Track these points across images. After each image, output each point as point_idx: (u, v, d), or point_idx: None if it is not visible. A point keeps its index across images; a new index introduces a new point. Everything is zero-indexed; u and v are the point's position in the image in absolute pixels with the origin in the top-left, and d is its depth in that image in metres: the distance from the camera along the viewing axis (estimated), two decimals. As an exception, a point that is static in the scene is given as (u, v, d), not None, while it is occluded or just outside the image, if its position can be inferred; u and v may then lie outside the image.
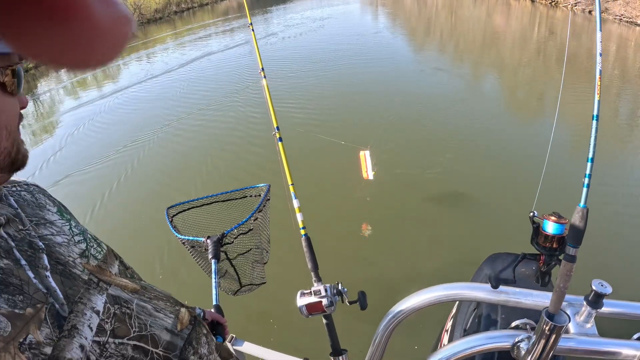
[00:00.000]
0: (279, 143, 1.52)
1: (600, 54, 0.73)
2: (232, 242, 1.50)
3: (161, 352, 0.55)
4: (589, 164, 0.71)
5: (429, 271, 3.23)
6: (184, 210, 1.58)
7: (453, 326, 1.37)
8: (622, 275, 3.18)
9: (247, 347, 1.53)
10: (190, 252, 1.53)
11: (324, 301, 1.06)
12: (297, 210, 1.36)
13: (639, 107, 6.87)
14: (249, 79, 8.60)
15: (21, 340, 0.39)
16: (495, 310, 1.20)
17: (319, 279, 1.17)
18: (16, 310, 0.40)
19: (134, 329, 0.53)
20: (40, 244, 0.50)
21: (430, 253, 3.47)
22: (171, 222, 1.54)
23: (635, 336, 0.80)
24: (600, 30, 0.72)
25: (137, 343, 0.52)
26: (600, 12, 0.74)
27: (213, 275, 1.35)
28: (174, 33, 18.38)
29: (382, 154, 4.91)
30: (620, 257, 3.37)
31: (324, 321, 1.14)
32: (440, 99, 6.96)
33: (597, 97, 0.71)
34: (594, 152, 0.71)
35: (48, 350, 0.41)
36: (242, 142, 5.85)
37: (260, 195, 1.58)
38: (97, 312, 0.49)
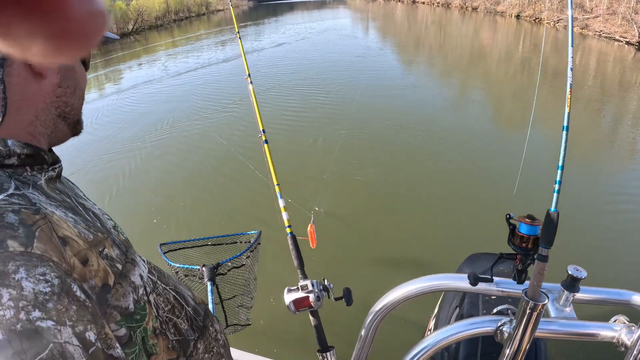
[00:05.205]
0: (265, 145, 1.55)
1: (572, 69, 0.78)
2: (226, 273, 1.55)
3: (191, 311, 0.60)
4: (559, 172, 0.76)
5: (412, 269, 3.30)
6: (176, 249, 1.62)
7: (436, 324, 1.42)
8: (597, 262, 3.32)
9: (234, 354, 1.55)
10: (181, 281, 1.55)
11: (311, 296, 1.07)
12: (282, 209, 1.39)
13: (619, 117, 7.14)
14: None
15: (100, 249, 0.45)
16: (476, 307, 1.25)
17: (304, 276, 1.18)
18: (91, 230, 0.46)
19: (171, 284, 0.59)
20: (86, 205, 0.55)
21: (414, 252, 3.56)
22: (164, 254, 1.58)
23: (613, 319, 0.85)
24: (572, 45, 0.78)
25: (176, 295, 0.58)
26: (572, 28, 0.80)
27: (209, 296, 1.40)
28: (172, 41, 18.72)
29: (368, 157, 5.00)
30: (595, 245, 3.55)
31: (311, 318, 1.15)
32: (425, 109, 7.13)
33: (567, 110, 0.77)
34: (563, 160, 0.77)
35: (119, 266, 0.47)
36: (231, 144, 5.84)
37: (250, 242, 1.63)
38: (143, 261, 0.54)
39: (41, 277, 0.36)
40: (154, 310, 0.51)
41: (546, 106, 6.54)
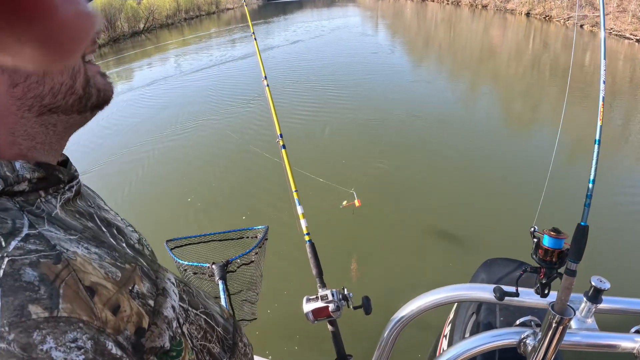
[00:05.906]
0: (283, 150, 1.52)
1: (604, 82, 0.77)
2: (235, 270, 1.52)
3: (221, 331, 0.57)
4: (590, 185, 0.75)
5: (430, 276, 3.27)
6: (182, 246, 1.60)
7: (452, 331, 1.41)
8: (619, 271, 3.26)
9: None
10: (188, 280, 1.54)
11: (331, 306, 1.07)
12: (301, 216, 1.37)
13: (630, 115, 7.05)
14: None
15: (130, 288, 0.39)
16: (493, 314, 1.24)
17: (323, 285, 1.18)
18: (118, 263, 0.40)
19: (200, 306, 0.54)
20: (109, 219, 0.50)
21: (432, 259, 3.51)
22: (171, 250, 1.57)
23: (633, 329, 0.84)
24: (605, 58, 0.77)
25: (206, 318, 0.54)
26: (605, 41, 0.79)
27: (222, 295, 1.38)
28: (183, 39, 18.94)
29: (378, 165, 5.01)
30: (616, 253, 3.47)
31: (329, 327, 1.14)
32: (439, 112, 7.09)
33: (599, 123, 0.76)
34: (595, 174, 0.75)
35: (151, 302, 0.41)
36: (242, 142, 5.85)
37: (257, 237, 1.61)
38: (173, 284, 0.49)
39: (72, 345, 0.31)
40: (189, 341, 0.47)
41: (559, 110, 6.47)
